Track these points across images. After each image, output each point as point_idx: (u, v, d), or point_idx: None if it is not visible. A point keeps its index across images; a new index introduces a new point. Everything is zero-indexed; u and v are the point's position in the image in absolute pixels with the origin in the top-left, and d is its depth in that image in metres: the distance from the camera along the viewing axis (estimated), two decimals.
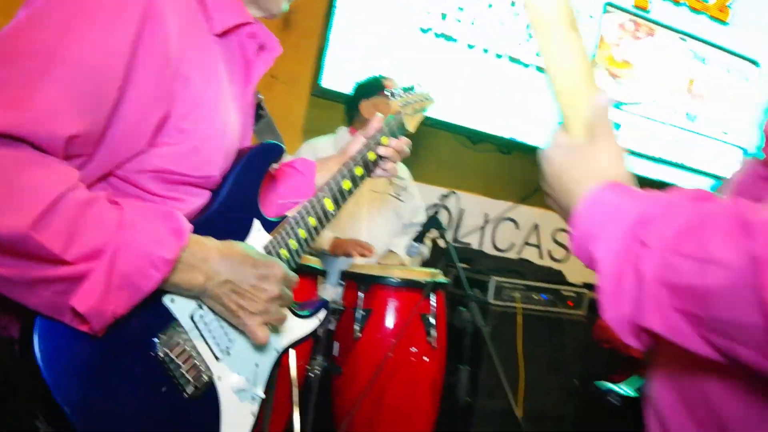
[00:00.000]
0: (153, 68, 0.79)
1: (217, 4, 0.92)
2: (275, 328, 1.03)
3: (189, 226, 0.82)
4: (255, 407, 1.00)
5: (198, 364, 0.91)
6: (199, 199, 0.94)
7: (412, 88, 1.41)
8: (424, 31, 3.15)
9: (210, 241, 0.87)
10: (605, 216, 0.55)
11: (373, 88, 2.43)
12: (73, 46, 0.73)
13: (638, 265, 0.49)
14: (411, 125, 1.36)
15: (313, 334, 1.94)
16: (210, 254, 0.84)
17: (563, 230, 3.67)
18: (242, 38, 0.99)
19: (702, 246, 0.46)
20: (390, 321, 1.96)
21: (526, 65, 3.36)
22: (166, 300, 0.88)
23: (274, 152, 1.04)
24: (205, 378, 0.91)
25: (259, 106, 1.14)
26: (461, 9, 3.22)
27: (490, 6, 3.26)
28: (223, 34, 0.95)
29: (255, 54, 1.02)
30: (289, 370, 1.50)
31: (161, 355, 0.86)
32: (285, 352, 1.09)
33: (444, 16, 3.18)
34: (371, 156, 1.23)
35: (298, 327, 1.11)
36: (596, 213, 0.56)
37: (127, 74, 0.77)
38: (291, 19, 3.01)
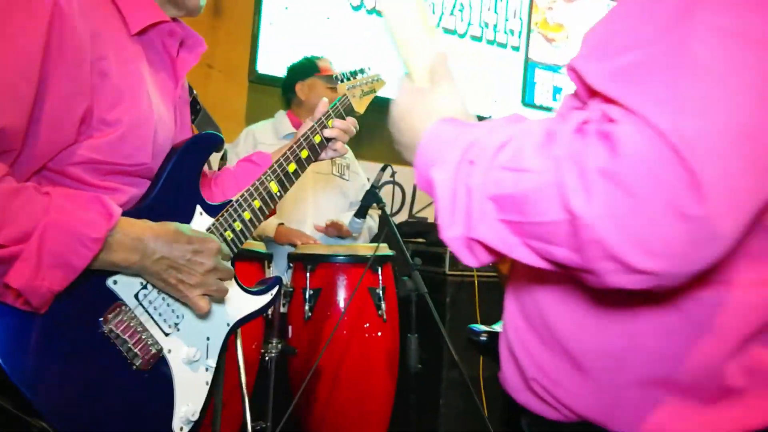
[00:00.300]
0: (67, 67, 0.89)
1: (129, 6, 1.03)
2: (223, 301, 1.14)
3: (118, 210, 0.92)
4: (209, 377, 1.12)
5: (145, 338, 1.01)
6: (136, 188, 1.04)
7: (361, 71, 1.52)
8: (355, 8, 3.26)
9: (143, 223, 0.97)
10: (441, 144, 0.64)
11: (306, 69, 2.52)
12: None
13: (468, 183, 0.57)
14: (360, 107, 1.47)
15: (266, 318, 2.05)
16: (143, 234, 0.95)
17: None
18: (163, 37, 1.09)
19: (516, 157, 0.55)
20: (339, 298, 2.07)
21: (462, 35, 3.51)
22: (109, 282, 0.98)
23: (211, 141, 1.15)
24: (154, 351, 1.02)
25: (195, 101, 1.24)
26: None
27: None
28: (141, 33, 1.05)
29: (178, 51, 1.13)
30: (237, 353, 1.61)
31: (106, 331, 0.97)
32: (238, 326, 1.21)
33: None
34: (317, 138, 1.34)
35: (251, 302, 1.22)
36: (434, 143, 0.65)
37: (41, 74, 0.87)
38: (222, 7, 3.06)
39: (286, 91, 2.58)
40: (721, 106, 0.48)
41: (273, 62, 3.03)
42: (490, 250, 0.58)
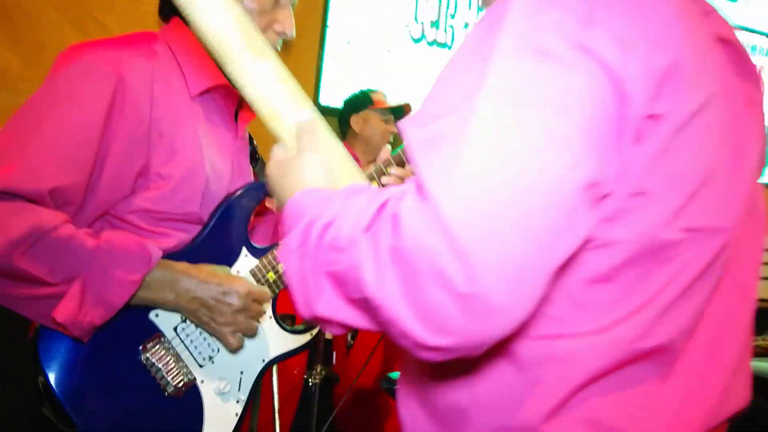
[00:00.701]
0: (127, 130, 1.04)
1: (191, 71, 1.16)
2: (260, 337, 1.23)
3: (158, 253, 1.05)
4: (238, 408, 1.20)
5: (179, 368, 1.12)
6: (185, 233, 1.16)
7: None
8: (416, 41, 3.34)
9: (181, 265, 1.09)
10: (290, 223, 0.64)
11: (361, 102, 2.62)
12: (53, 120, 1.00)
13: (304, 263, 0.58)
14: None
15: (312, 344, 2.12)
16: (178, 275, 1.07)
17: None
18: (223, 96, 1.22)
19: (336, 237, 0.55)
20: None
21: None
22: (152, 315, 1.11)
23: (261, 190, 1.26)
24: (186, 380, 1.12)
25: (254, 151, 1.36)
26: (453, 16, 3.39)
27: (480, 9, 3.42)
28: (202, 94, 1.18)
29: (237, 107, 1.25)
30: (272, 389, 1.69)
31: (143, 359, 1.09)
32: (274, 362, 1.29)
33: (435, 23, 3.36)
34: (374, 184, 1.40)
35: (289, 341, 1.30)
36: (286, 222, 0.65)
37: (102, 139, 1.02)
38: (289, 42, 3.24)
39: (341, 123, 2.70)
40: (490, 179, 0.48)
41: (335, 94, 3.16)
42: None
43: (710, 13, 0.64)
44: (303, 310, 0.60)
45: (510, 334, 0.50)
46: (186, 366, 1.13)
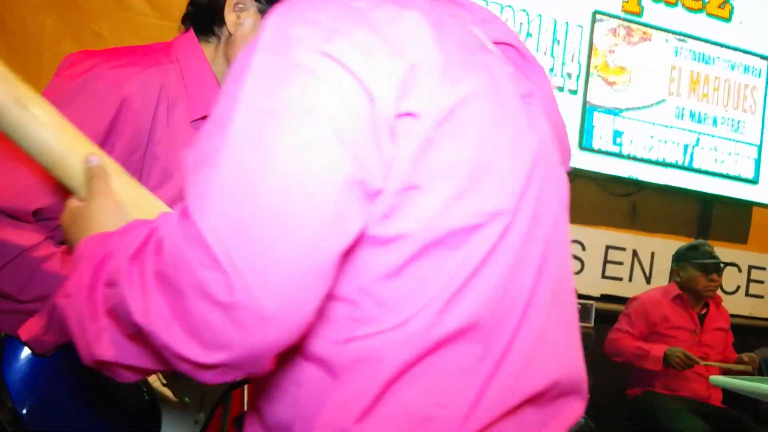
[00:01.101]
0: (123, 154, 1.05)
1: (195, 95, 1.16)
2: None
3: None
4: (196, 429, 1.22)
5: (141, 385, 1.14)
6: None
7: None
8: None
9: None
10: (74, 270, 0.61)
11: None
12: None
13: (81, 307, 0.56)
14: None
15: None
16: None
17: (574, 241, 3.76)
18: None
19: (110, 272, 0.55)
20: None
21: None
22: None
23: None
24: (147, 397, 1.14)
25: None
26: None
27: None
28: (201, 119, 1.18)
29: None
30: (242, 401, 1.69)
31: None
32: (239, 385, 1.30)
33: None
34: None
35: None
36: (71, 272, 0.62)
37: None
38: None
39: None
40: (245, 188, 0.49)
41: None
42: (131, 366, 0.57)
43: (488, 20, 0.69)
44: (85, 357, 0.57)
45: (293, 341, 0.50)
46: (147, 383, 1.15)
